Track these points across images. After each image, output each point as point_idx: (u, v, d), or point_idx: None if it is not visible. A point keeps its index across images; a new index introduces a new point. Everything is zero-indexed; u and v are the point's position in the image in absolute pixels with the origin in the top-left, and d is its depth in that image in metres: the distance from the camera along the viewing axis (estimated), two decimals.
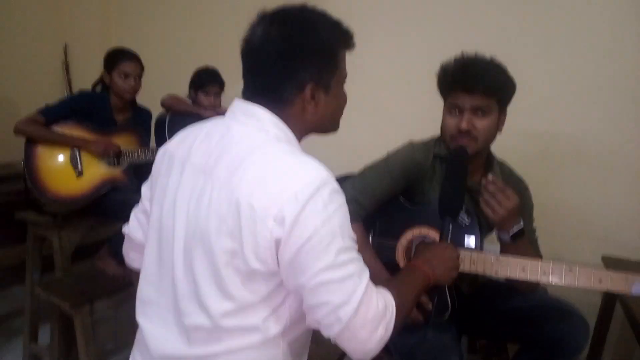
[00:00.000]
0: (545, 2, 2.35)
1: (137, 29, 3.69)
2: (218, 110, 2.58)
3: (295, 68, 0.94)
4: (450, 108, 1.46)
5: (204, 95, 2.56)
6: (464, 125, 1.40)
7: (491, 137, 1.46)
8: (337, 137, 2.89)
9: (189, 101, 2.61)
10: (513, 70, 2.36)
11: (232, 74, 2.86)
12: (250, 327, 0.92)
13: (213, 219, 0.90)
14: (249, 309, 0.91)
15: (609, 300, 2.19)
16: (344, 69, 1.04)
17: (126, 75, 2.33)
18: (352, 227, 1.44)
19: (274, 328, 0.94)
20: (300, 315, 0.96)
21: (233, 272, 0.90)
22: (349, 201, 1.46)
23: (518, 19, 2.41)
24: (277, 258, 0.88)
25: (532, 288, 1.50)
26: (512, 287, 1.53)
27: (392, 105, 2.78)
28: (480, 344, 2.44)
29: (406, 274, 1.12)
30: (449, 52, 1.51)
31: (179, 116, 2.50)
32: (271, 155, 0.92)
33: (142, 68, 2.39)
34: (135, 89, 2.37)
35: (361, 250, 1.43)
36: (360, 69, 2.70)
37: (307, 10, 0.98)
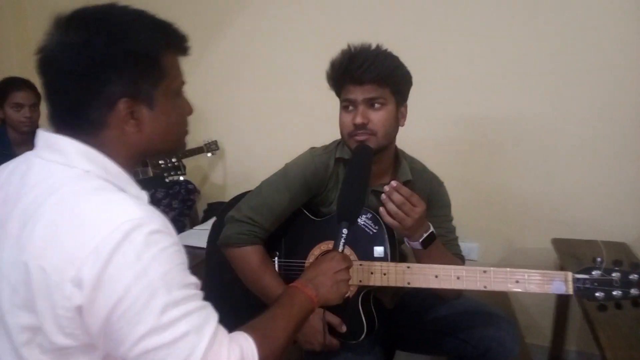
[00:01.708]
0: None
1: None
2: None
3: (100, 81, 0.77)
4: (345, 104, 1.33)
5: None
6: (358, 119, 1.27)
7: (391, 130, 1.33)
8: (277, 142, 2.78)
9: None
10: (442, 59, 2.29)
11: None
12: None
13: (5, 288, 0.73)
14: None
15: None
16: (178, 76, 0.87)
17: (19, 106, 2.14)
18: (250, 250, 1.34)
19: None
20: None
21: (38, 353, 0.73)
22: (244, 222, 1.34)
23: (444, 5, 2.29)
24: (87, 328, 0.72)
25: (455, 294, 1.37)
26: (435, 295, 1.40)
27: (327, 106, 2.65)
28: None
29: (281, 303, 0.97)
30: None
31: None
32: (69, 200, 0.74)
33: (37, 96, 2.20)
34: (32, 119, 2.19)
35: (262, 275, 1.33)
36: (290, 70, 2.70)
37: (116, 9, 0.81)
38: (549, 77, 2.16)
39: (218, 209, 2.93)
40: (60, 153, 0.79)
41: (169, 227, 0.76)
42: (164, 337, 0.71)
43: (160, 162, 2.41)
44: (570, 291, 1.10)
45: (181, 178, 2.51)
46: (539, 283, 1.13)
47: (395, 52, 1.35)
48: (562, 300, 2.15)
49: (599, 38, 2.07)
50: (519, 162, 2.27)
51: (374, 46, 1.31)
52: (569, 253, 1.96)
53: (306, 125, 2.74)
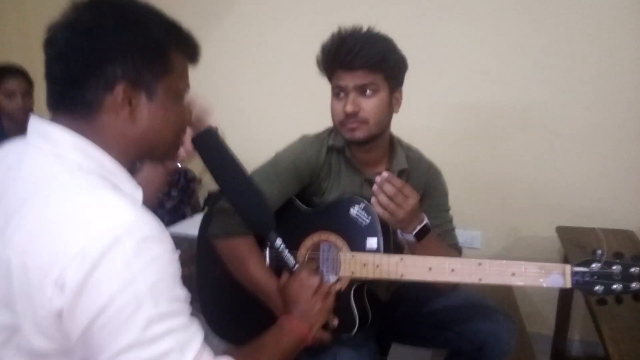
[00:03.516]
0: None
1: None
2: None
3: (102, 60, 0.74)
4: (336, 91, 1.29)
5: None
6: (349, 107, 1.23)
7: (384, 118, 1.28)
8: (277, 129, 2.75)
9: None
10: (443, 44, 2.22)
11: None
12: None
13: None
14: None
15: None
16: (182, 80, 0.84)
17: (11, 94, 2.11)
18: (238, 241, 1.30)
19: None
20: None
21: (15, 354, 0.70)
22: (233, 212, 1.30)
23: None
24: (66, 333, 0.68)
25: (452, 286, 1.33)
26: (431, 288, 1.36)
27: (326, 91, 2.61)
28: None
29: (271, 333, 0.94)
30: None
31: None
32: (59, 194, 0.70)
33: (29, 83, 2.17)
34: (26, 107, 2.16)
35: (252, 268, 1.29)
36: (289, 56, 2.64)
37: (137, 2, 0.80)
38: (553, 63, 2.11)
39: (218, 198, 2.92)
40: (53, 143, 0.75)
41: (164, 234, 0.72)
42: (145, 353, 0.67)
43: None
44: (569, 284, 1.05)
45: (179, 165, 2.48)
46: (536, 276, 1.09)
47: (397, 37, 1.29)
48: (565, 290, 2.11)
49: (604, 24, 2.02)
50: (523, 149, 2.22)
51: (365, 29, 1.25)
52: (574, 241, 1.92)
53: (307, 114, 2.67)
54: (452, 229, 1.39)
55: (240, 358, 0.83)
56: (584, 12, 2.03)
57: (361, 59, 1.20)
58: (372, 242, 1.26)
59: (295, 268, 1.00)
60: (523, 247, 2.28)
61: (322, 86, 2.53)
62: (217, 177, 1.01)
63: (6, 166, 0.78)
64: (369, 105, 1.24)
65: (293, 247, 1.33)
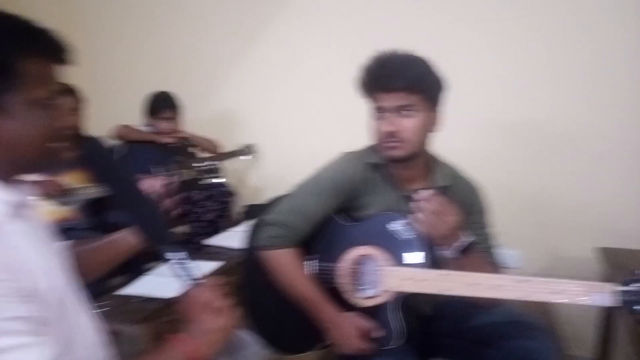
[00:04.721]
0: None
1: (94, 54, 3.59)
2: (177, 134, 2.48)
3: None
4: (375, 111, 1.33)
5: (158, 120, 2.47)
6: (388, 127, 1.27)
7: (423, 137, 1.32)
8: (314, 146, 2.81)
9: (144, 128, 2.53)
10: (480, 64, 2.25)
11: (195, 97, 2.82)
12: None
13: None
14: None
15: None
16: (40, 87, 0.79)
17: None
18: (283, 253, 1.35)
19: None
20: None
21: None
22: (278, 225, 1.36)
23: (477, 7, 2.27)
24: None
25: (493, 303, 1.33)
26: (472, 304, 1.37)
27: (362, 109, 2.65)
28: None
29: (155, 352, 0.88)
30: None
31: (137, 144, 2.41)
32: None
33: (78, 101, 2.29)
34: (74, 124, 2.27)
35: (296, 279, 1.34)
36: (327, 75, 2.71)
37: None
38: (595, 83, 2.11)
39: (256, 211, 2.98)
40: None
41: None
42: None
43: (194, 164, 2.47)
44: (610, 303, 1.06)
45: (217, 181, 2.56)
46: (577, 294, 1.09)
47: (431, 57, 1.32)
48: (607, 311, 2.07)
49: None
50: (563, 168, 2.22)
51: (403, 52, 1.29)
52: (614, 263, 1.89)
53: (343, 130, 2.74)
54: (491, 246, 1.41)
55: None
56: (623, 30, 2.02)
57: (400, 81, 1.24)
58: (413, 257, 1.28)
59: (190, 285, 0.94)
60: (561, 267, 2.26)
61: (355, 105, 2.59)
62: (107, 187, 0.98)
63: None
64: (408, 125, 1.28)
65: (333, 261, 1.37)
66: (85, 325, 0.89)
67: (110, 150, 0.91)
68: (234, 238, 2.37)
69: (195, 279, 0.93)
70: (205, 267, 2.14)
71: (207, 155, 2.81)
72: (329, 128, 2.79)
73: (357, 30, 2.59)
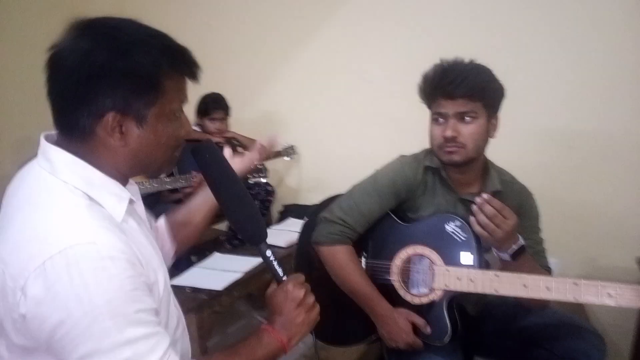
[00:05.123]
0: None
1: None
2: (225, 135, 2.58)
3: (93, 91, 0.79)
4: (435, 117, 1.38)
5: (209, 121, 2.57)
6: (448, 132, 1.33)
7: (481, 143, 1.37)
8: (353, 150, 2.88)
9: (195, 128, 2.63)
10: (527, 71, 2.29)
11: (239, 99, 2.92)
12: None
13: None
14: None
15: None
16: (177, 99, 0.87)
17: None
18: (340, 249, 1.42)
19: None
20: None
21: (6, 344, 0.79)
22: (336, 222, 1.43)
23: (529, 16, 2.31)
24: (33, 336, 0.75)
25: (542, 305, 1.38)
26: (520, 305, 1.42)
27: (404, 115, 2.71)
28: None
29: (247, 342, 0.93)
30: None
31: (188, 144, 2.51)
32: (37, 211, 0.77)
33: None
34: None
35: (351, 274, 1.41)
36: (369, 80, 2.78)
37: (129, 26, 0.82)
38: (638, 91, 2.12)
39: (293, 211, 3.06)
40: (48, 161, 0.82)
41: (125, 252, 0.77)
42: None
43: None
44: None
45: (263, 180, 2.65)
46: (629, 298, 1.13)
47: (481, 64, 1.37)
48: None
49: None
50: (604, 177, 2.24)
51: (467, 61, 1.35)
52: None
53: (383, 136, 2.82)
54: (543, 250, 1.45)
55: None
56: None
57: (463, 89, 1.30)
58: (466, 257, 1.34)
59: (283, 279, 0.99)
60: (600, 277, 2.26)
61: (394, 111, 2.65)
62: (213, 188, 1.02)
63: (18, 179, 0.86)
64: (468, 131, 1.33)
65: (387, 258, 1.44)
66: (174, 316, 0.96)
67: (220, 152, 0.97)
68: (274, 236, 2.45)
69: (283, 275, 0.98)
70: (247, 263, 2.24)
71: None
72: (369, 134, 2.86)
73: (401, 38, 2.65)
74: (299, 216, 2.44)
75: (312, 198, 3.19)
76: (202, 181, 2.58)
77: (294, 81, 3.12)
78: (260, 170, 2.60)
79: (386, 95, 2.77)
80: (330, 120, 3.01)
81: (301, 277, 0.99)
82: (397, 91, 2.71)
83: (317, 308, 0.99)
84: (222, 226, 3.25)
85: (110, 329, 0.73)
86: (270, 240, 0.98)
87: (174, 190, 2.51)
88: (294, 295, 0.95)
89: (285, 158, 3.08)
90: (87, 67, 0.77)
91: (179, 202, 2.55)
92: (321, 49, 2.96)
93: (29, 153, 0.88)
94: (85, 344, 0.72)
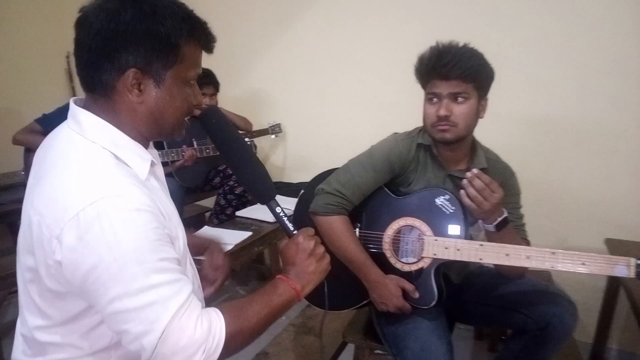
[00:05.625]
0: None
1: None
2: None
3: (117, 48, 0.85)
4: (429, 97, 1.47)
5: None
6: (442, 111, 1.41)
7: (471, 122, 1.46)
8: (338, 130, 2.93)
9: None
10: (507, 57, 2.38)
11: (227, 75, 2.95)
12: (65, 344, 0.89)
13: (22, 233, 0.88)
14: (62, 326, 0.88)
15: (613, 284, 2.18)
16: (193, 67, 0.93)
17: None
18: (336, 219, 1.50)
19: (99, 343, 0.90)
20: None
21: (38, 290, 0.87)
22: (333, 194, 1.51)
23: (509, 6, 2.40)
24: (68, 281, 0.82)
25: (519, 274, 1.50)
26: (500, 274, 1.53)
27: (389, 97, 2.79)
28: (486, 332, 2.46)
29: (263, 289, 0.99)
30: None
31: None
32: (70, 167, 0.84)
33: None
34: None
35: (347, 243, 1.49)
36: (356, 61, 2.84)
37: None
38: (614, 81, 2.22)
39: (278, 188, 3.12)
40: (78, 123, 0.90)
41: (150, 207, 0.83)
42: (132, 303, 0.79)
43: None
44: (632, 274, 1.22)
45: None
46: (603, 266, 1.25)
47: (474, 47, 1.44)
48: (609, 298, 2.23)
49: None
50: (577, 162, 2.35)
51: (461, 44, 1.43)
52: (622, 254, 2.03)
53: (368, 116, 2.89)
54: (523, 225, 1.56)
55: (229, 311, 0.89)
56: None
57: (457, 71, 1.38)
58: (454, 229, 1.44)
59: (294, 233, 1.06)
60: None
61: (378, 92, 2.71)
62: (222, 151, 1.06)
63: (51, 139, 0.94)
64: (460, 111, 1.42)
65: (380, 229, 1.53)
66: (190, 272, 1.02)
67: (226, 117, 0.98)
68: (261, 211, 2.52)
69: (294, 230, 1.06)
70: (237, 236, 2.30)
71: (240, 132, 2.95)
72: (355, 115, 2.92)
73: (389, 19, 2.70)
74: (284, 194, 2.51)
75: (297, 176, 3.28)
76: (192, 155, 2.68)
77: (281, 59, 3.15)
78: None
79: (373, 76, 2.83)
80: (317, 99, 3.07)
81: (311, 230, 1.07)
82: (384, 72, 2.79)
83: (328, 257, 1.06)
84: (208, 202, 3.30)
85: (138, 274, 0.79)
86: (258, 215, 1.03)
87: (164, 164, 2.55)
88: (305, 247, 1.03)
89: (271, 136, 3.13)
90: (113, 26, 0.84)
91: (170, 175, 2.59)
92: (309, 28, 2.99)
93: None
94: (115, 287, 0.79)
